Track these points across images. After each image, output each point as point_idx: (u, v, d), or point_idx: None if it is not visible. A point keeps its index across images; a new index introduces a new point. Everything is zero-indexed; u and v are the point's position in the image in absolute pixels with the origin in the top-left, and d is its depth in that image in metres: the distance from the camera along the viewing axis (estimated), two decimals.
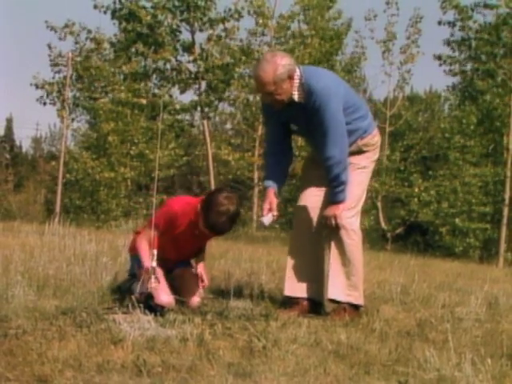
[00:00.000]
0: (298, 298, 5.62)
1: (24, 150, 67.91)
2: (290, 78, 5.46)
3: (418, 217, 30.15)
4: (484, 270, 13.40)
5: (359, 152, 5.85)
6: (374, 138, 5.99)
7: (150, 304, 4.71)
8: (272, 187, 5.73)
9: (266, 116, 6.03)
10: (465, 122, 28.69)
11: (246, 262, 7.75)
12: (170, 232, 5.46)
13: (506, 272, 12.90)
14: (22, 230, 10.48)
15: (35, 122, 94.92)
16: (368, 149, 5.94)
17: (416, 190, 29.54)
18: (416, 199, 29.70)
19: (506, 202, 24.38)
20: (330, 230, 5.57)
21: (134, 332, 4.18)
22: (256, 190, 28.40)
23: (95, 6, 24.77)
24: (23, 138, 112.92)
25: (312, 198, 5.80)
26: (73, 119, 31.37)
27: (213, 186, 23.63)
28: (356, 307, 5.55)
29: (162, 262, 5.20)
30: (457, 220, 29.05)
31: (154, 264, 4.86)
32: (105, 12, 24.77)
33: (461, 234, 29.75)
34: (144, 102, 25.87)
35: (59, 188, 29.22)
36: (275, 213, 5.59)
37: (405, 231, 31.86)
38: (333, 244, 5.58)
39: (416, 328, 4.95)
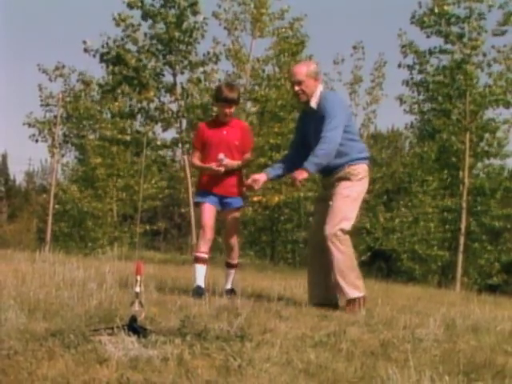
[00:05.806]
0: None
1: (18, 183, 67.72)
2: (316, 79, 6.73)
3: (383, 244, 30.21)
4: (442, 294, 13.43)
5: (345, 179, 6.53)
6: (359, 169, 6.62)
7: (133, 326, 4.67)
8: (266, 172, 7.02)
9: (298, 124, 7.25)
10: (424, 158, 28.97)
11: (223, 287, 7.73)
12: (206, 149, 6.98)
13: (463, 296, 12.91)
14: (14, 258, 10.39)
15: (28, 158, 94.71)
16: (352, 178, 6.53)
17: (381, 219, 29.65)
18: (381, 227, 29.78)
19: (462, 231, 24.50)
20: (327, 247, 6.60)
21: (118, 352, 4.15)
22: None
23: (85, 50, 24.72)
24: (17, 173, 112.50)
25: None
26: (63, 155, 31.37)
27: (193, 218, 23.49)
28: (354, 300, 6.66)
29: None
30: (416, 246, 29.22)
31: (138, 289, 4.83)
32: (94, 55, 24.73)
33: (420, 259, 29.87)
34: (129, 138, 25.84)
35: (50, 218, 29.04)
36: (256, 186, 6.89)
37: (369, 258, 31.87)
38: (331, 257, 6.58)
39: (379, 348, 4.95)
